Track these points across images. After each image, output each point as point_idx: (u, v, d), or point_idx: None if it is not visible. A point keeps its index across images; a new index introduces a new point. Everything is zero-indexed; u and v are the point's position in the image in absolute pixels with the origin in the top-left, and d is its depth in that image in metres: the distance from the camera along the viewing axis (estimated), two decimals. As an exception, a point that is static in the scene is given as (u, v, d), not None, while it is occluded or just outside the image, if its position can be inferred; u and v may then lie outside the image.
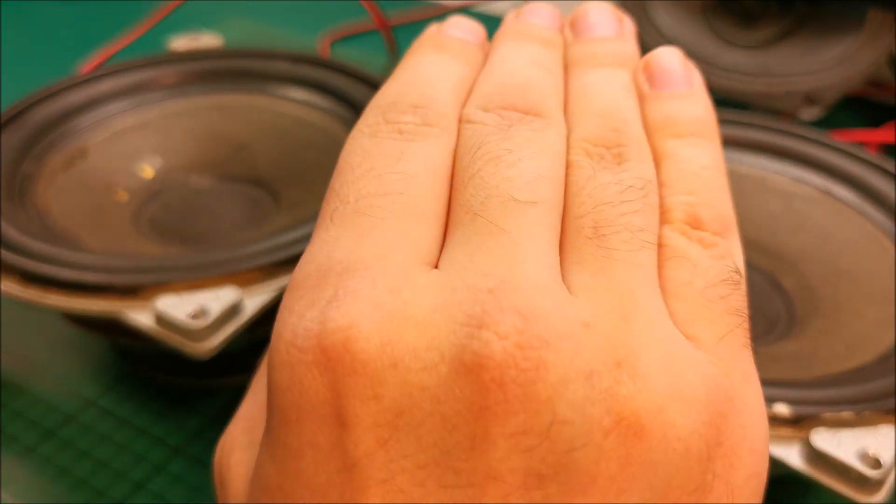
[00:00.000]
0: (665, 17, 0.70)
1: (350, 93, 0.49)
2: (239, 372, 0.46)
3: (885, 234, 0.42)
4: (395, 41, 0.69)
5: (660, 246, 0.22)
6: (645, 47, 0.78)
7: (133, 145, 0.49)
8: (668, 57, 0.27)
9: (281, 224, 0.45)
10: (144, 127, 0.50)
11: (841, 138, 0.46)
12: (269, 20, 0.89)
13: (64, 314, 0.41)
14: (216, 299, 0.34)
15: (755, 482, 0.19)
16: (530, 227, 0.20)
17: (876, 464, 0.28)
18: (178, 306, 0.33)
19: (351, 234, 0.21)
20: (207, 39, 0.55)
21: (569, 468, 0.17)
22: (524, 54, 0.27)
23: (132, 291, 0.35)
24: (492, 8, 0.93)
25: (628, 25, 0.29)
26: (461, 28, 0.29)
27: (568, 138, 0.23)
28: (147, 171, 0.49)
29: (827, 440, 0.29)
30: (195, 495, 0.40)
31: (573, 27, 0.29)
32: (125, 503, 0.40)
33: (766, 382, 0.32)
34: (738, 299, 0.21)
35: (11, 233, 0.38)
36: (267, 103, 0.51)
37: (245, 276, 0.36)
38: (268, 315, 0.41)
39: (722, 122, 0.47)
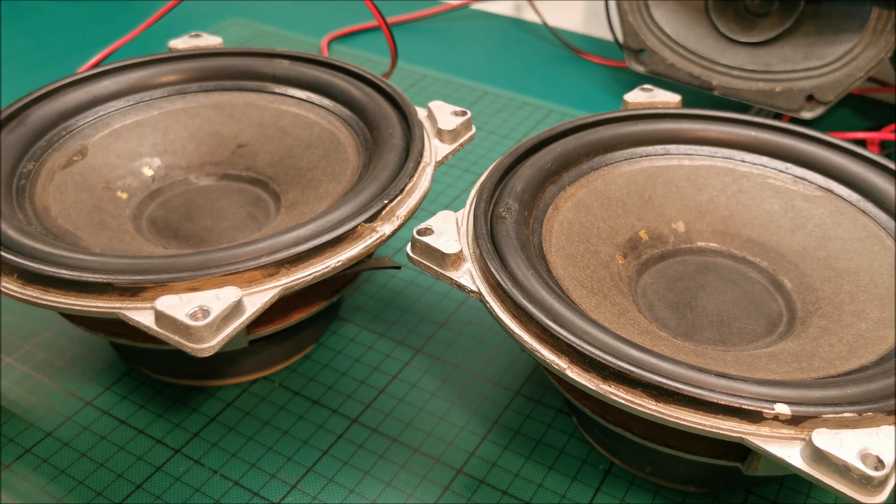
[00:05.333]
0: (667, 16, 0.70)
1: (350, 93, 0.49)
2: (239, 372, 0.46)
3: (887, 233, 0.41)
4: (395, 41, 0.69)
5: None
6: (647, 47, 0.78)
7: (132, 144, 0.49)
8: None
9: (281, 224, 0.45)
10: (144, 126, 0.50)
11: (842, 137, 0.46)
12: (268, 20, 0.89)
13: (63, 314, 0.41)
14: (216, 299, 0.34)
15: None
16: None
17: (878, 464, 0.28)
18: (178, 306, 0.33)
19: None
20: (207, 39, 0.55)
21: None
22: None
23: (132, 291, 0.35)
24: (491, 7, 0.93)
25: None
26: None
27: None
28: (146, 170, 0.49)
29: (828, 440, 0.29)
30: (194, 496, 0.40)
31: None
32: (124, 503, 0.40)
33: (766, 382, 0.32)
34: None
35: (10, 232, 0.38)
36: (267, 103, 0.51)
37: (245, 276, 0.36)
38: (267, 314, 0.41)
39: (723, 121, 0.47)
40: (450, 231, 0.38)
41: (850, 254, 0.42)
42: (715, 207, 0.45)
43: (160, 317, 0.33)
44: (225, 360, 0.45)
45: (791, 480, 0.41)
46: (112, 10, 0.90)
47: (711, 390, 0.31)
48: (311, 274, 0.37)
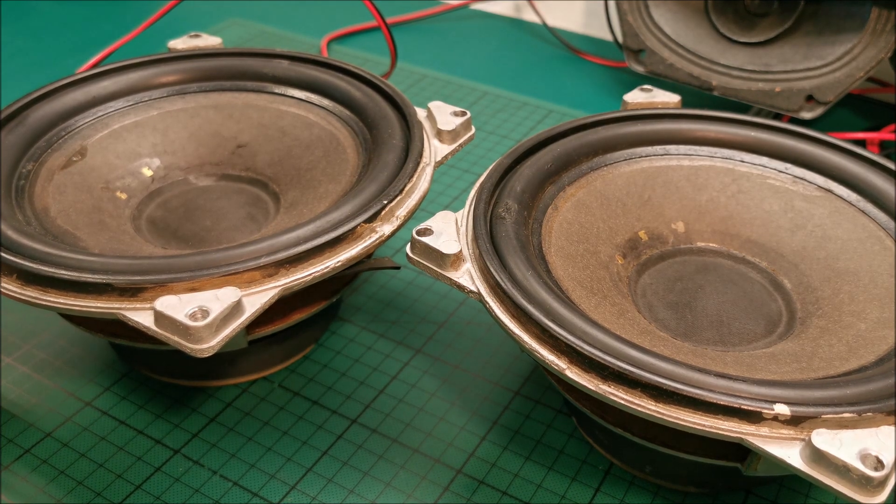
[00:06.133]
0: (667, 16, 0.70)
1: (350, 93, 0.49)
2: (238, 372, 0.46)
3: (887, 233, 0.41)
4: (395, 41, 0.69)
5: None
6: (647, 47, 0.78)
7: (132, 145, 0.49)
8: None
9: (280, 224, 0.45)
10: (143, 126, 0.49)
11: (842, 137, 0.46)
12: (268, 20, 0.89)
13: (63, 314, 0.41)
14: (215, 299, 0.34)
15: None
16: None
17: (878, 464, 0.28)
18: (178, 306, 0.33)
19: None
20: (206, 39, 0.55)
21: None
22: None
23: (131, 292, 0.35)
24: (491, 7, 0.93)
25: None
26: None
27: None
28: (146, 170, 0.49)
29: (828, 441, 0.29)
30: (194, 496, 0.40)
31: None
32: (124, 504, 0.40)
33: (766, 383, 0.32)
34: None
35: (10, 233, 0.38)
36: (266, 103, 0.51)
37: (244, 277, 0.36)
38: (267, 315, 0.41)
39: (722, 121, 0.47)
40: (449, 231, 0.38)
41: (849, 254, 0.42)
42: (714, 208, 0.45)
43: (159, 317, 0.33)
44: (224, 360, 0.45)
45: (791, 480, 0.41)
46: (112, 10, 0.90)
47: (711, 391, 0.31)
48: (310, 274, 0.37)
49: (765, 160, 0.46)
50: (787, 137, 0.46)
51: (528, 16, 0.91)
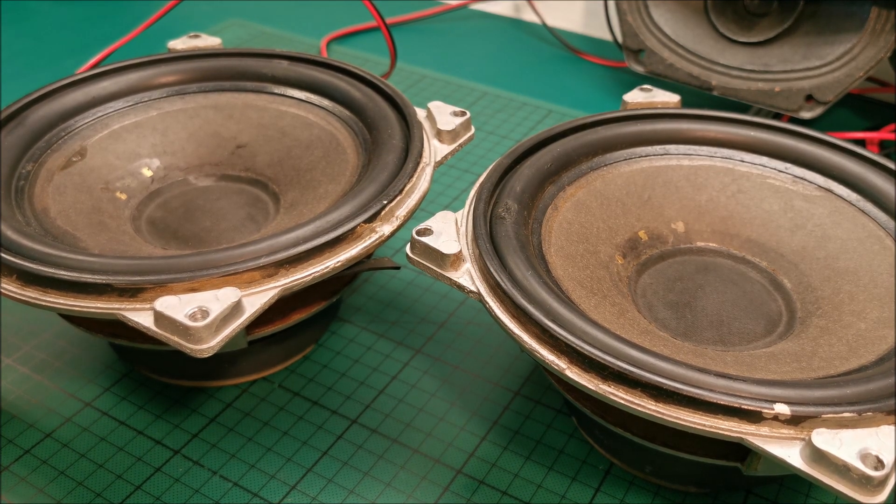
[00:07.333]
0: (666, 16, 0.70)
1: (350, 93, 0.49)
2: (238, 373, 0.46)
3: (887, 232, 0.41)
4: (394, 41, 0.69)
5: None
6: (646, 47, 0.78)
7: (131, 145, 0.49)
8: None
9: (280, 225, 0.45)
10: (143, 127, 0.49)
11: (842, 137, 0.46)
12: (267, 21, 0.89)
13: (62, 315, 0.41)
14: (215, 300, 0.34)
15: None
16: None
17: (878, 464, 0.28)
18: (177, 307, 0.33)
19: None
20: (206, 39, 0.55)
21: None
22: None
23: (131, 292, 0.35)
24: (491, 7, 0.93)
25: None
26: None
27: None
28: (145, 171, 0.49)
29: (828, 440, 0.29)
30: (194, 496, 0.40)
31: None
32: (124, 504, 0.40)
33: (766, 382, 0.32)
34: None
35: (10, 233, 0.38)
36: (266, 103, 0.51)
37: (245, 276, 0.36)
38: (267, 315, 0.41)
39: (722, 121, 0.47)
40: (449, 231, 0.38)
41: (849, 254, 0.42)
42: (714, 207, 0.45)
43: (159, 317, 0.33)
44: (224, 360, 0.45)
45: (791, 480, 0.41)
46: (111, 11, 0.90)
47: (711, 390, 0.31)
48: (310, 275, 0.37)
49: (765, 160, 0.46)
50: (786, 137, 0.46)
51: (528, 16, 0.91)
